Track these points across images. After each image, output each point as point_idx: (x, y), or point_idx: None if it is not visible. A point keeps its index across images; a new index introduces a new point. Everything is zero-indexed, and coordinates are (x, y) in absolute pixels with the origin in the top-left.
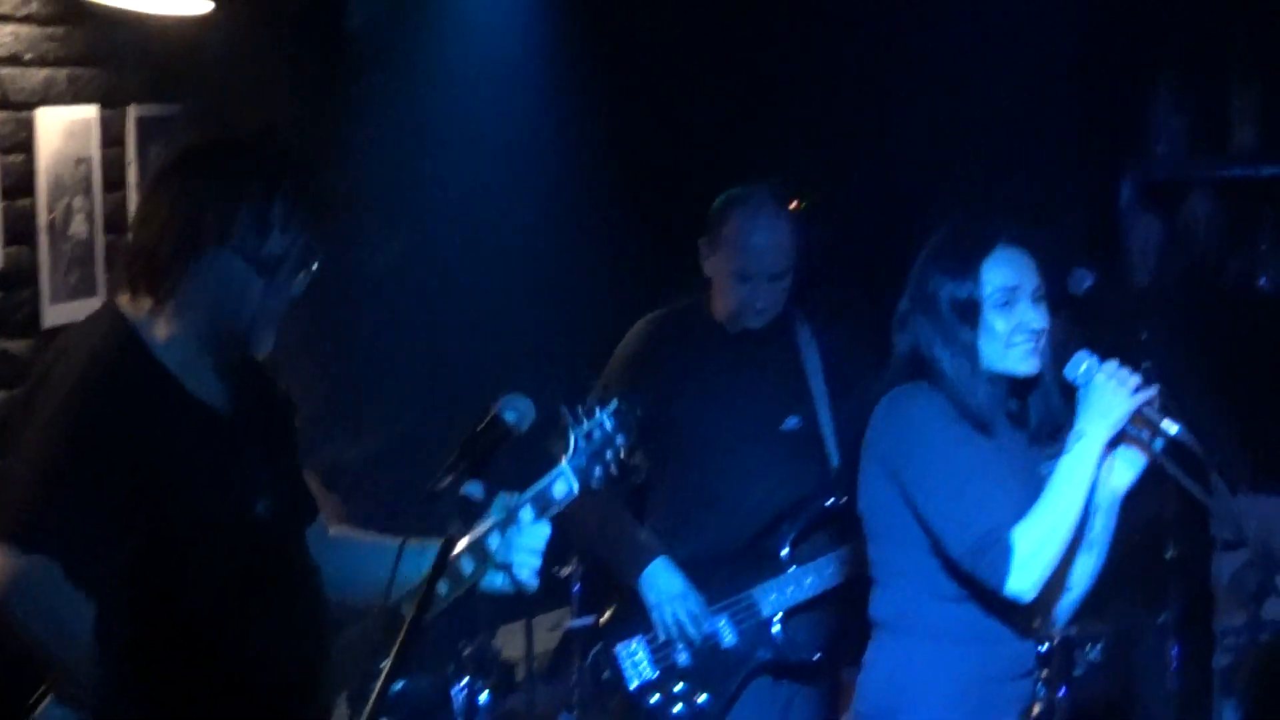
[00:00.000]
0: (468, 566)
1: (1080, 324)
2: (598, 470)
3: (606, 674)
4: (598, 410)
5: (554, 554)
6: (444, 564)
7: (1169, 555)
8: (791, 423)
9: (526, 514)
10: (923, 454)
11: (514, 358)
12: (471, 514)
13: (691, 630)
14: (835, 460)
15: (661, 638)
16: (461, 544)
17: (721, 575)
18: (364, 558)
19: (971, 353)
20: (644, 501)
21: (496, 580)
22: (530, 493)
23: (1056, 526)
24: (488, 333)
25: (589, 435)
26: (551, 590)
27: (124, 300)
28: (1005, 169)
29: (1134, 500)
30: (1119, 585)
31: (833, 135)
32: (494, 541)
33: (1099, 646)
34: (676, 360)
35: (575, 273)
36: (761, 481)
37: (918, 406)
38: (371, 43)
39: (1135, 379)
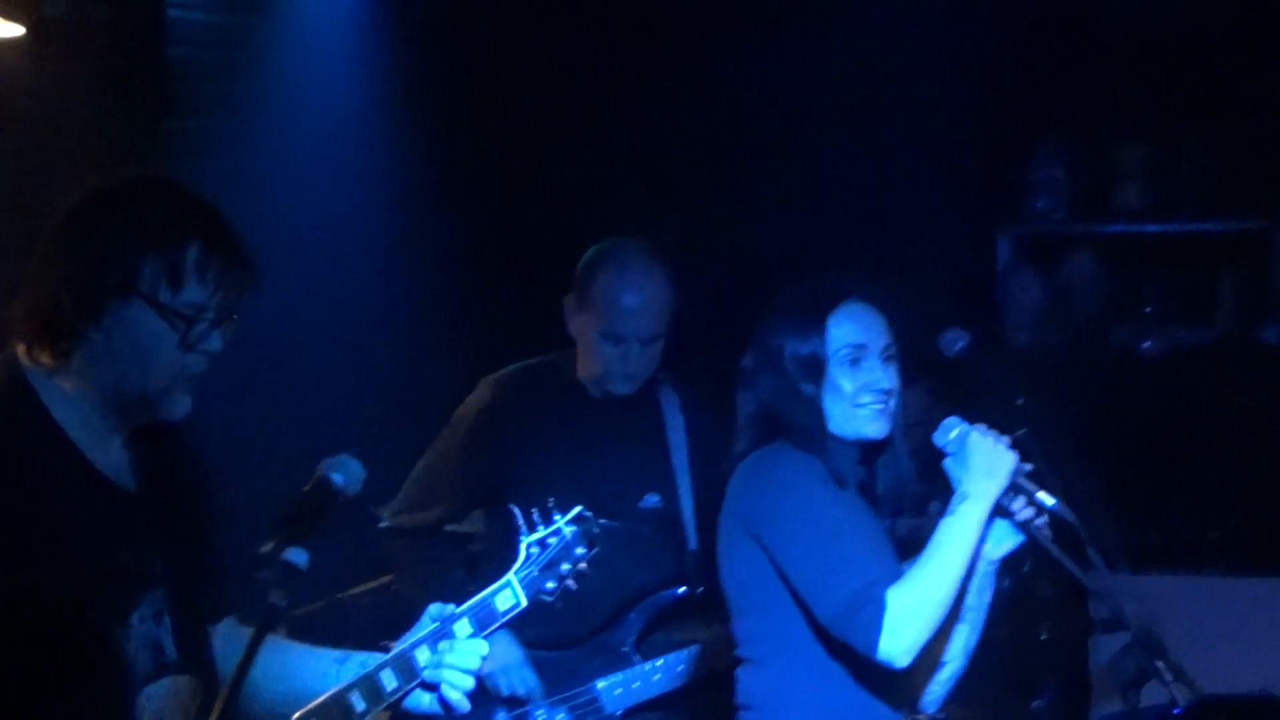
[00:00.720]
0: (390, 682)
1: (952, 388)
2: (549, 583)
3: None
4: (555, 516)
5: (396, 626)
6: (262, 638)
7: (1043, 637)
8: (650, 500)
9: (463, 628)
10: (786, 515)
11: (350, 415)
12: (294, 583)
13: (527, 718)
14: (694, 544)
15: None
16: (389, 655)
17: (562, 664)
18: (291, 665)
19: (817, 411)
20: (478, 575)
21: (421, 700)
22: (470, 605)
23: (935, 587)
24: (322, 388)
25: (542, 543)
26: None
27: (21, 350)
28: (878, 225)
29: (1007, 577)
30: (990, 668)
31: (704, 191)
32: (422, 656)
33: None
34: (528, 421)
35: (419, 328)
36: (610, 563)
37: (779, 467)
38: (196, 75)
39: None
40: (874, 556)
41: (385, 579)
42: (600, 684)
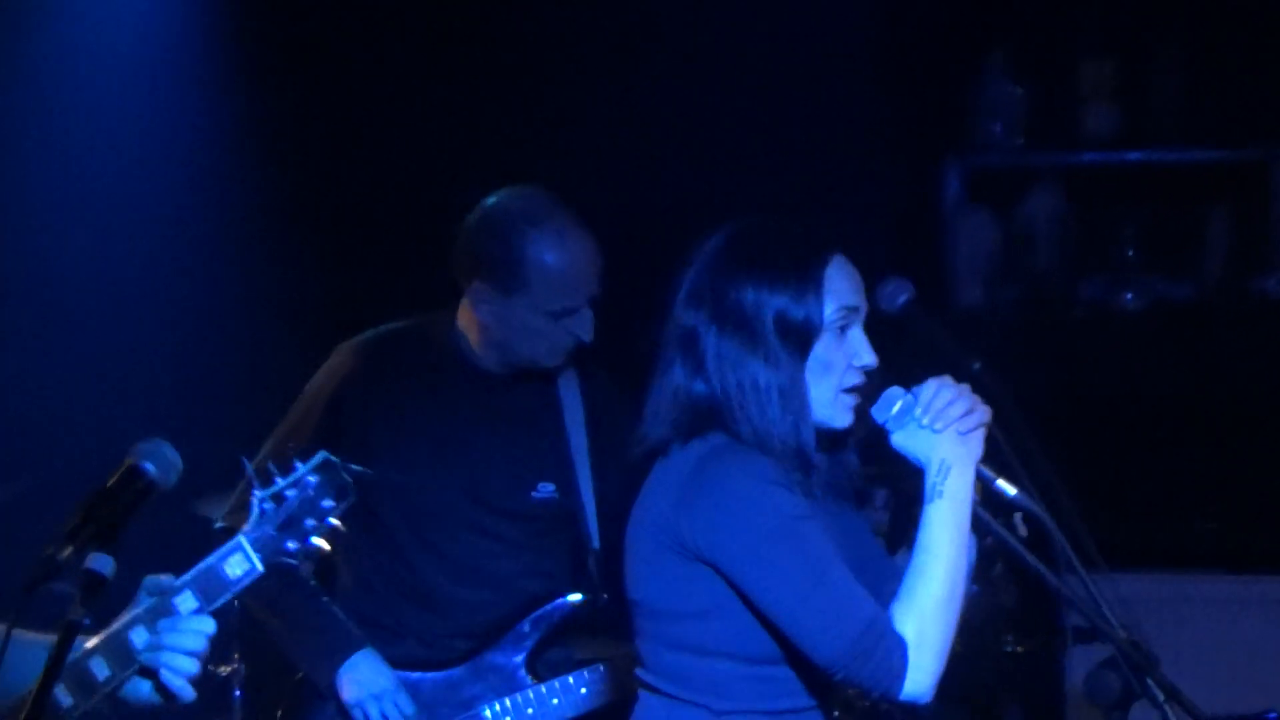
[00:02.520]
0: (101, 670)
1: (891, 353)
2: (290, 543)
3: None
4: (297, 465)
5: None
6: (61, 660)
7: (1007, 649)
8: (544, 491)
9: (186, 602)
10: (760, 540)
11: (165, 395)
12: (97, 594)
13: None
14: (595, 543)
15: None
16: (94, 640)
17: (442, 688)
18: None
19: (800, 393)
20: (332, 587)
21: (141, 689)
22: (193, 574)
23: (943, 594)
24: (130, 366)
25: (279, 497)
26: (204, 696)
27: None
28: (800, 158)
29: (974, 583)
30: (942, 689)
31: (584, 125)
32: (139, 638)
33: None
34: (396, 394)
35: (250, 299)
36: (496, 567)
37: (735, 476)
38: None
39: (965, 396)
40: (855, 579)
41: None
42: (487, 711)
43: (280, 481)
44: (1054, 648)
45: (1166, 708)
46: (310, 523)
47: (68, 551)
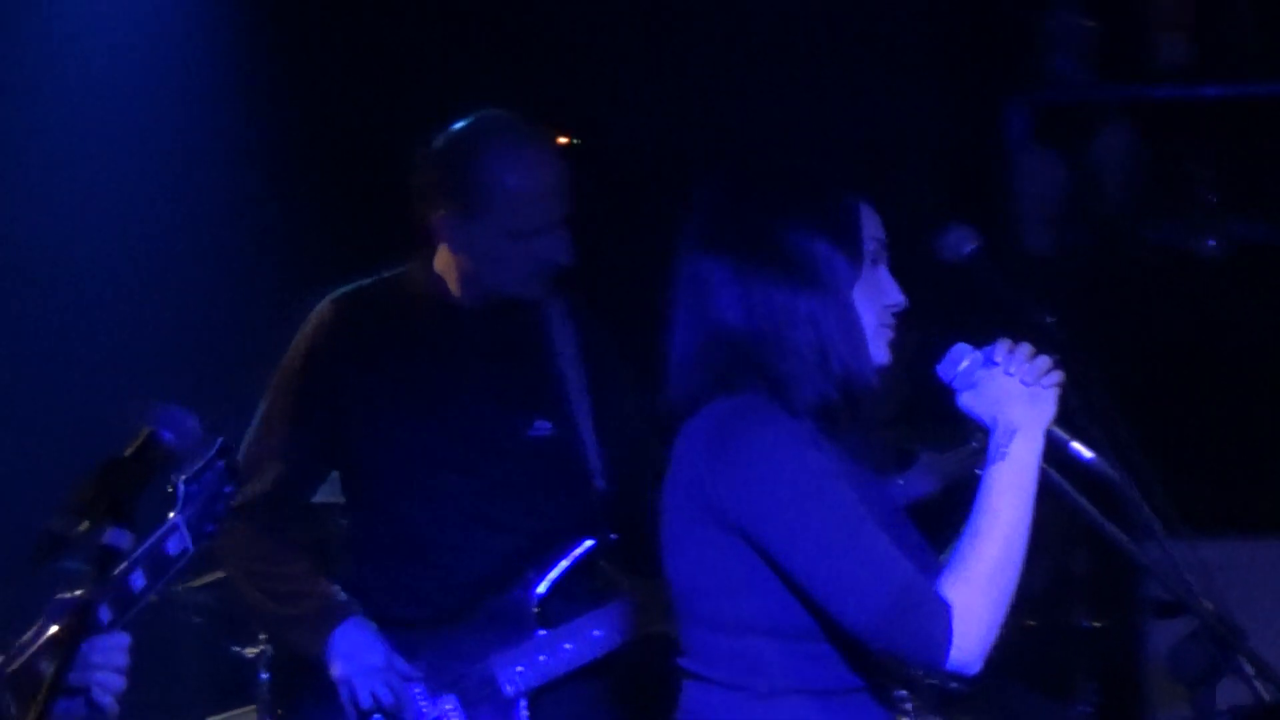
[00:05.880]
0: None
1: (955, 305)
2: (208, 527)
3: None
4: (202, 450)
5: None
6: (76, 645)
7: (1083, 624)
8: (541, 429)
9: (137, 579)
10: (791, 505)
11: (154, 365)
12: (114, 570)
13: (404, 714)
14: (601, 482)
15: None
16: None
17: (447, 643)
18: None
19: (854, 318)
20: (324, 560)
21: (72, 708)
22: (141, 551)
23: (1001, 561)
24: (120, 332)
25: (198, 478)
26: (233, 680)
27: None
28: (852, 95)
29: (1031, 555)
30: (1013, 667)
31: (594, 55)
32: (137, 581)
33: None
34: (381, 340)
35: (243, 261)
36: (495, 511)
37: (763, 437)
38: None
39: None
40: (894, 541)
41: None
42: (495, 661)
43: (198, 463)
44: (1133, 621)
45: (1256, 683)
46: (220, 507)
47: (83, 526)
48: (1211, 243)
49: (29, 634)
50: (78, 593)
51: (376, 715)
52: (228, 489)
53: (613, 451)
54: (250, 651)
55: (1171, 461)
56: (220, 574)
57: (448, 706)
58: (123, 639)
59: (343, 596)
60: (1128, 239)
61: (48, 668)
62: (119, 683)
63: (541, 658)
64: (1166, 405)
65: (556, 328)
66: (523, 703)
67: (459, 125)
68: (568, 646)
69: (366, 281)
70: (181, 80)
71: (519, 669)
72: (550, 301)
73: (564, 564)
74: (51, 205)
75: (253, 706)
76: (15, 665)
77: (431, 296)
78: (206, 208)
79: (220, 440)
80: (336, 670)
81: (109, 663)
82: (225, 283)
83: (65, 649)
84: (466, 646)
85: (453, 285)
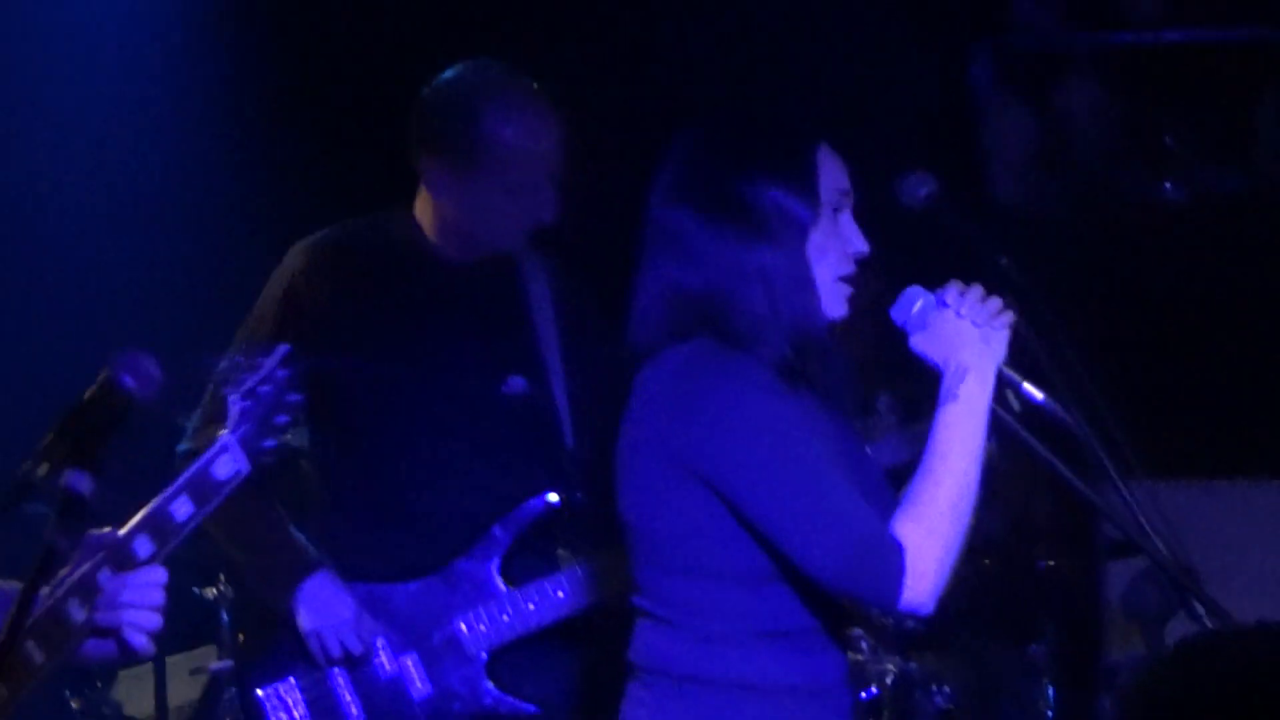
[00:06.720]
0: (145, 548)
1: (910, 249)
2: (268, 441)
3: None
4: (262, 360)
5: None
6: (35, 589)
7: (1039, 566)
8: (514, 385)
9: (181, 508)
10: (752, 450)
11: (126, 309)
12: (76, 515)
13: (365, 669)
14: (570, 440)
15: (327, 679)
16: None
17: (415, 600)
18: None
19: (805, 274)
20: (297, 512)
21: (102, 647)
22: (186, 476)
23: (952, 501)
24: (90, 278)
25: (253, 393)
26: (191, 620)
27: None
28: (814, 40)
29: (989, 497)
30: (972, 607)
31: (591, 35)
32: (181, 510)
33: (946, 690)
34: (353, 288)
35: (216, 204)
36: (464, 468)
37: (726, 383)
38: None
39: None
40: (855, 486)
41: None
42: (461, 621)
43: (250, 379)
44: (1090, 562)
45: (1206, 621)
46: (282, 419)
47: (43, 469)
48: (1168, 186)
49: (57, 577)
50: (113, 530)
51: (338, 668)
52: (291, 398)
53: (585, 411)
54: (210, 593)
55: (1132, 405)
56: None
57: (410, 662)
58: (159, 574)
59: (312, 551)
60: (1096, 188)
61: (78, 613)
62: (153, 621)
63: (505, 617)
64: (1130, 349)
65: (533, 287)
66: (484, 659)
67: (455, 73)
68: (531, 607)
69: (341, 226)
70: (162, 35)
71: (482, 627)
72: (528, 258)
73: (528, 524)
74: (36, 163)
75: (213, 645)
76: (40, 610)
77: (409, 245)
78: (179, 157)
79: (284, 348)
80: (305, 622)
81: (143, 600)
82: (202, 233)
83: (24, 593)
84: (431, 603)
85: (431, 233)
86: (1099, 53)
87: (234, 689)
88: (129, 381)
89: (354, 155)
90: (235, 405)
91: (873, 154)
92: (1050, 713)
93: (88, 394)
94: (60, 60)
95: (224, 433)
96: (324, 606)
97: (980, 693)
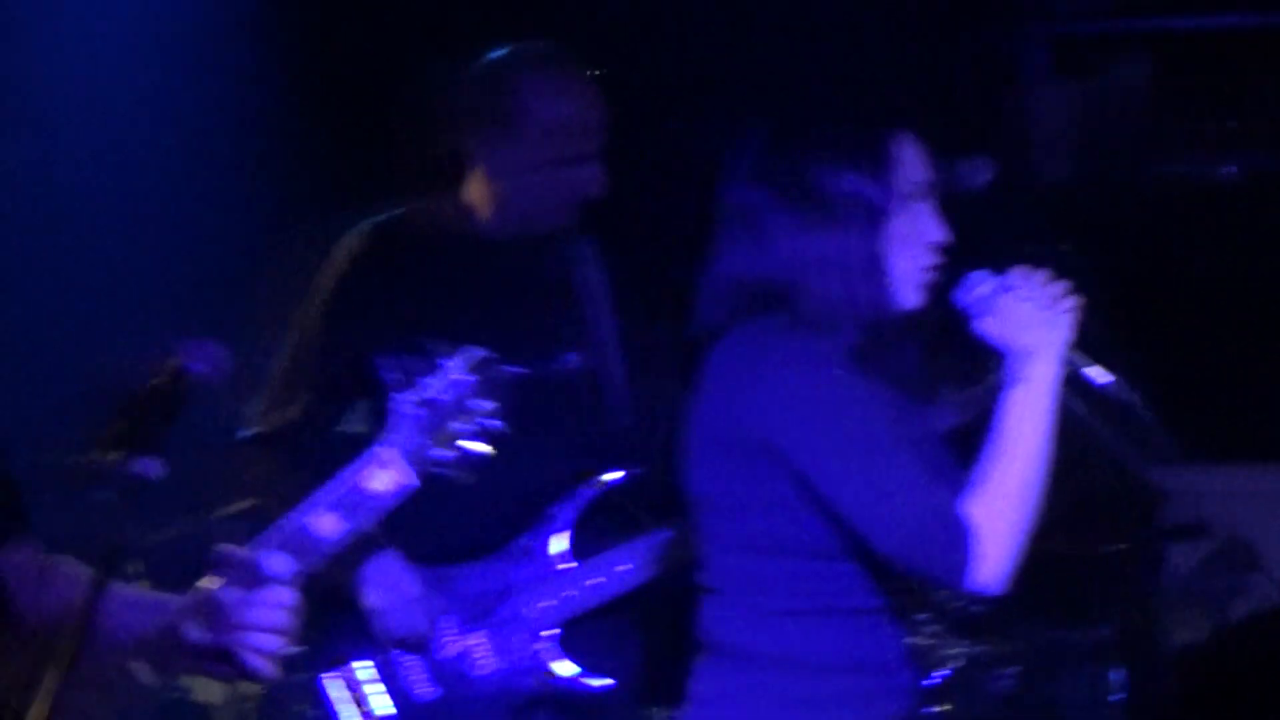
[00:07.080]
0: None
1: (969, 234)
2: (441, 453)
3: (309, 715)
4: (442, 363)
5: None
6: (106, 581)
7: (1102, 551)
8: (568, 361)
9: (330, 524)
10: (824, 422)
11: (190, 291)
12: (143, 502)
13: (435, 649)
14: (628, 417)
15: (391, 660)
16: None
17: (478, 578)
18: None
19: (879, 264)
20: None
21: (217, 670)
22: (327, 494)
23: (1022, 483)
24: (150, 256)
25: (429, 402)
26: None
27: None
28: (859, 29)
29: (1050, 480)
30: (1037, 592)
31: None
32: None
33: (1010, 673)
34: (407, 270)
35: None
36: (523, 446)
37: (796, 359)
38: None
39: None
40: (925, 466)
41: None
42: (525, 597)
43: (428, 385)
44: (1151, 546)
45: (1273, 598)
46: (462, 427)
47: (111, 455)
48: (1232, 169)
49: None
50: (241, 546)
51: (404, 649)
52: (474, 404)
53: (640, 386)
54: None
55: (1189, 390)
56: (249, 503)
57: (477, 640)
58: (286, 595)
59: (379, 531)
60: (1145, 169)
61: (195, 634)
62: (274, 645)
63: (568, 592)
64: (1183, 335)
65: (586, 263)
66: (553, 635)
67: (502, 51)
68: (596, 581)
69: (394, 213)
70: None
71: (545, 603)
72: (579, 237)
73: (592, 502)
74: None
75: None
76: (153, 629)
77: (461, 228)
78: (212, 137)
79: (478, 352)
80: (371, 600)
81: (266, 621)
82: (232, 215)
83: (78, 619)
84: (496, 582)
85: (483, 215)
86: (1147, 36)
87: (298, 674)
88: (200, 368)
89: (376, 147)
90: (405, 412)
91: (926, 140)
92: (1118, 696)
93: (154, 381)
94: (75, 50)
95: (386, 442)
96: (390, 585)
97: (1044, 676)
